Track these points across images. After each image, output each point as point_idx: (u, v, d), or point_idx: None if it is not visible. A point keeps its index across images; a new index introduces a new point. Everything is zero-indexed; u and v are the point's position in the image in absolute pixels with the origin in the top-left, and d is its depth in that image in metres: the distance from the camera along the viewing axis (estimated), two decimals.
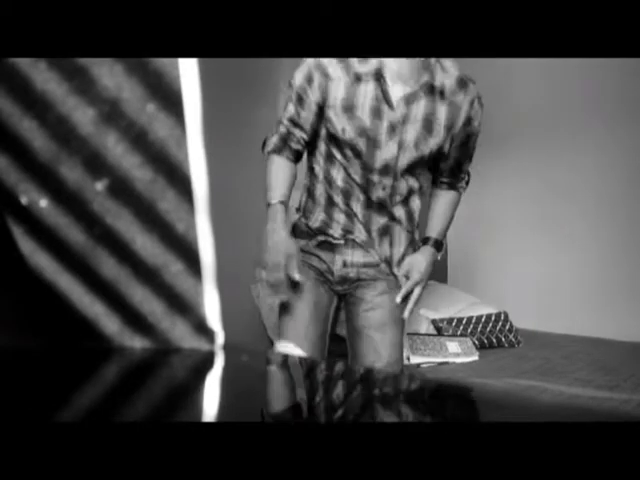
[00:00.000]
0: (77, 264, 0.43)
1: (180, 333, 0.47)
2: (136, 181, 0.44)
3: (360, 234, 1.36)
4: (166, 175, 0.43)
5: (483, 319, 2.78)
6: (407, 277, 1.42)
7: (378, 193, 1.32)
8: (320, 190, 1.36)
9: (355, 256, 1.38)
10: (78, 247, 0.43)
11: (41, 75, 0.45)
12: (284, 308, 1.38)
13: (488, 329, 2.73)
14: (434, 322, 2.83)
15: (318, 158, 1.35)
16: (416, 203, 1.41)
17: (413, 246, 1.46)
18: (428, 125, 1.25)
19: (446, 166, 1.44)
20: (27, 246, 0.43)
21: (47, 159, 0.42)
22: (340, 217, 1.35)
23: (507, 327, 2.75)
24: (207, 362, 0.55)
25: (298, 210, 1.47)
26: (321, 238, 1.38)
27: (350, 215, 1.35)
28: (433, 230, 1.47)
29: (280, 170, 1.31)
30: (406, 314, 1.40)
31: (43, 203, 0.42)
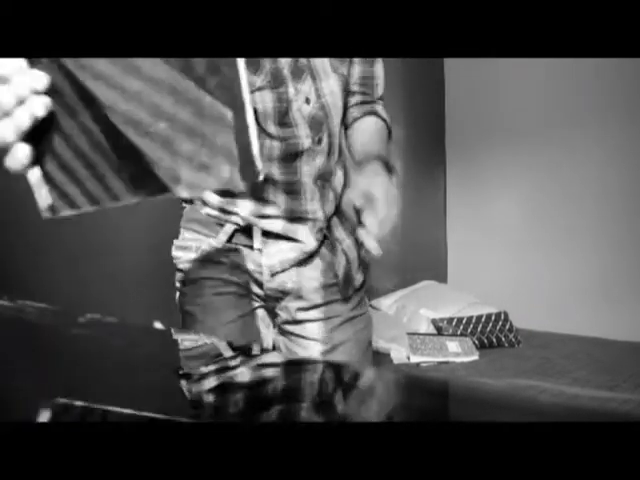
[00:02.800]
0: None
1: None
2: None
3: None
4: None
5: (483, 319, 2.78)
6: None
7: None
8: None
9: None
10: None
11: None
12: None
13: (488, 329, 2.73)
14: (434, 322, 2.83)
15: None
16: None
17: None
18: None
19: None
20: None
21: None
22: None
23: (507, 327, 2.75)
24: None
25: None
26: None
27: None
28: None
29: None
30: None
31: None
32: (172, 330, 0.75)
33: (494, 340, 2.71)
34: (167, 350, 0.60)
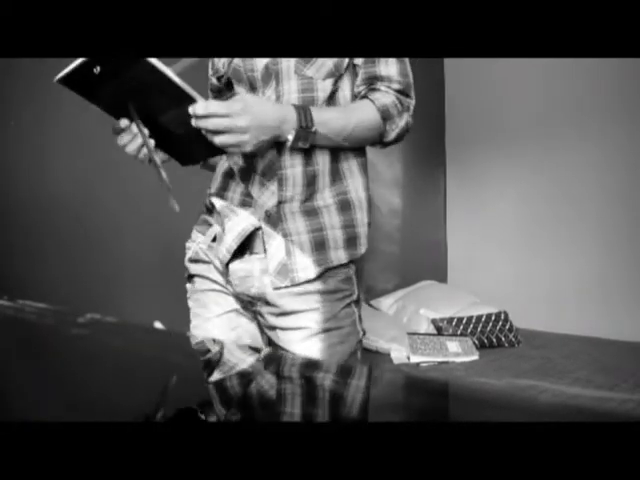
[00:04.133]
0: None
1: None
2: None
3: None
4: None
5: (483, 319, 2.78)
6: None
7: None
8: None
9: None
10: None
11: None
12: None
13: (488, 329, 2.73)
14: (434, 322, 2.83)
15: None
16: None
17: None
18: None
19: None
20: None
21: None
22: None
23: (507, 327, 2.75)
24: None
25: None
26: None
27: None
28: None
29: None
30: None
31: None
32: (171, 330, 0.75)
33: (494, 340, 2.71)
34: (167, 350, 0.60)
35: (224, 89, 1.13)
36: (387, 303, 3.11)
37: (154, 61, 0.77)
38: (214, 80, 1.15)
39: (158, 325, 2.00)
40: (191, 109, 0.84)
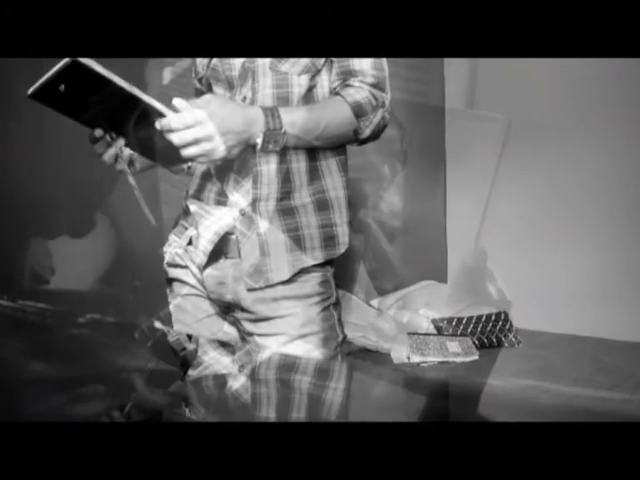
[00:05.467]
0: None
1: None
2: None
3: None
4: None
5: (483, 319, 2.78)
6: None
7: None
8: None
9: None
10: None
11: None
12: None
13: (488, 329, 2.73)
14: (434, 322, 2.83)
15: None
16: None
17: None
18: None
19: None
20: None
21: None
22: None
23: (507, 327, 2.75)
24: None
25: None
26: None
27: None
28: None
29: None
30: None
31: None
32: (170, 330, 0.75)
33: (494, 340, 2.70)
34: (166, 350, 0.60)
35: (205, 92, 1.11)
36: (387, 303, 3.11)
37: (113, 77, 0.77)
38: (196, 83, 1.15)
39: (158, 325, 2.00)
40: (158, 125, 0.84)
